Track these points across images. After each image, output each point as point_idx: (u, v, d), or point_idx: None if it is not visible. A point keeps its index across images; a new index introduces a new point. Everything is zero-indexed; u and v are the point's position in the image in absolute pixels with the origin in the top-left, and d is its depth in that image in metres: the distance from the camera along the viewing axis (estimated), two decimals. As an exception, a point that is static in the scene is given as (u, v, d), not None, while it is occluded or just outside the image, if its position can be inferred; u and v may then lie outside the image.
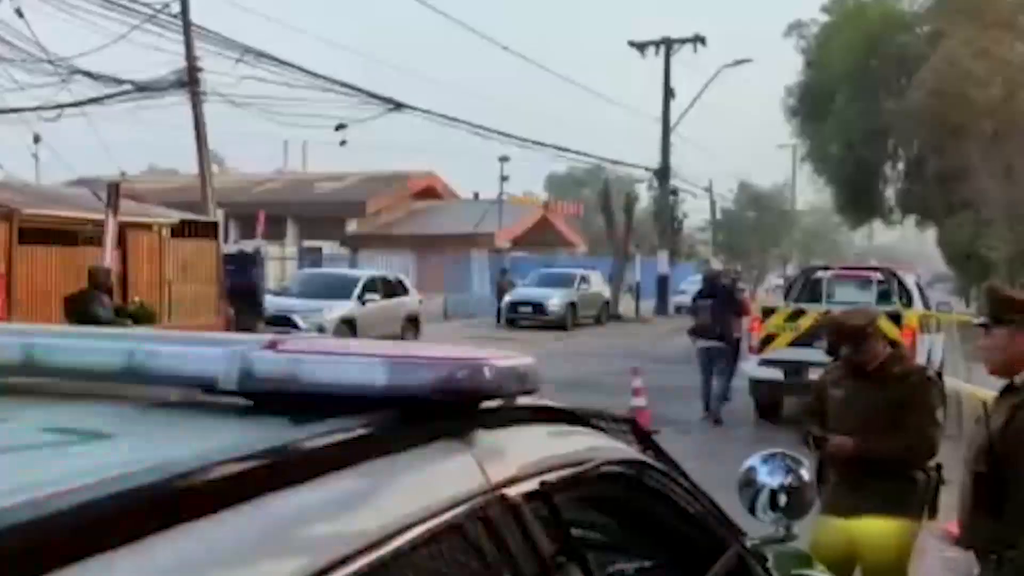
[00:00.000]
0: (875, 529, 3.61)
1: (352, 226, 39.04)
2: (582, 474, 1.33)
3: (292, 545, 0.86)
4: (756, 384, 11.58)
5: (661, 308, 31.72)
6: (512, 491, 1.13)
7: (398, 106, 21.47)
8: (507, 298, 25.84)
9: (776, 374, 11.20)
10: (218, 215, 20.42)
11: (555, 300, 25.30)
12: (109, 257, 11.14)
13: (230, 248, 25.11)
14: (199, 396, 1.15)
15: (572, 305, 25.81)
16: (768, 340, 11.41)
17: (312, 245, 34.34)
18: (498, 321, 25.63)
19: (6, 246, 14.04)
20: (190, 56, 19.21)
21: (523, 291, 26.13)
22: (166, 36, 19.02)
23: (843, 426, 3.76)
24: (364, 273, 20.14)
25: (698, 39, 31.39)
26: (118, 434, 1.11)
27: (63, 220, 15.03)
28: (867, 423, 3.69)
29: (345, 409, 1.07)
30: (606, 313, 28.07)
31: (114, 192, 11.24)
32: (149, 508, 0.78)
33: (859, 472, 3.63)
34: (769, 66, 36.60)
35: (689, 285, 34.44)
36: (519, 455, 1.22)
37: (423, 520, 0.98)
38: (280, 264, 26.09)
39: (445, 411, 1.12)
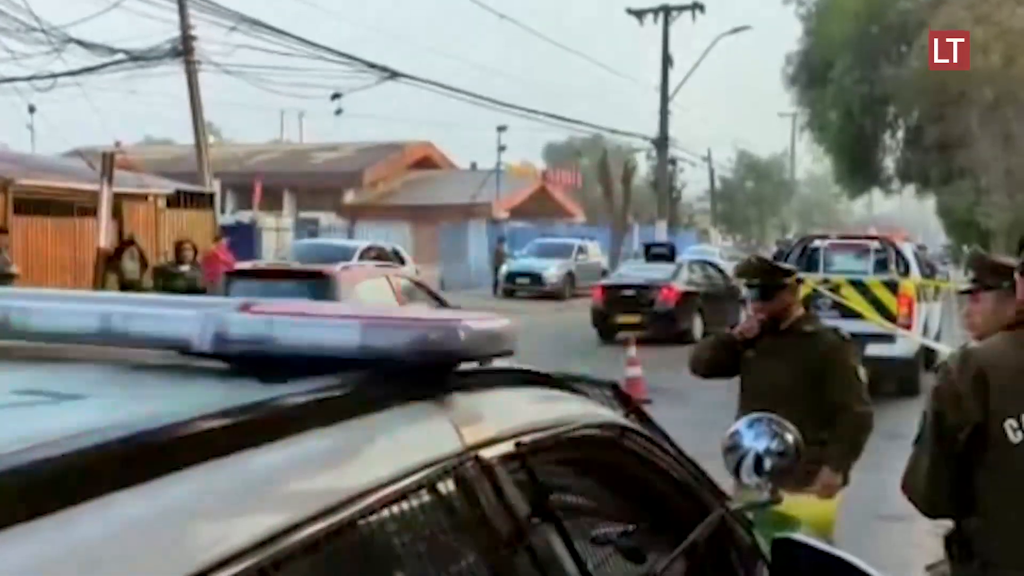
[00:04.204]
0: (794, 507, 3.52)
1: (349, 196, 38.93)
2: (560, 437, 1.33)
3: (264, 502, 0.87)
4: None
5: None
6: (487, 453, 1.13)
7: (394, 75, 21.33)
8: (504, 268, 25.80)
9: None
10: (214, 186, 20.37)
11: (552, 270, 25.25)
12: (104, 227, 11.14)
13: (226, 219, 25.10)
14: (173, 358, 1.15)
15: (570, 275, 25.77)
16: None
17: (309, 216, 34.24)
18: (495, 292, 25.60)
19: (1, 216, 14.02)
20: (184, 25, 19.05)
21: (520, 261, 26.09)
22: (160, 4, 18.85)
23: (755, 389, 3.64)
24: (361, 244, 20.11)
25: (696, 6, 31.10)
26: (91, 395, 1.11)
27: (58, 191, 15.00)
28: (780, 386, 3.55)
29: (319, 370, 1.07)
30: (604, 283, 28.08)
31: (109, 162, 11.23)
32: (118, 464, 0.78)
33: None
34: (768, 34, 36.31)
35: (688, 255, 34.39)
36: (495, 418, 1.22)
37: (396, 480, 0.98)
38: (276, 235, 26.02)
39: (420, 373, 1.12)
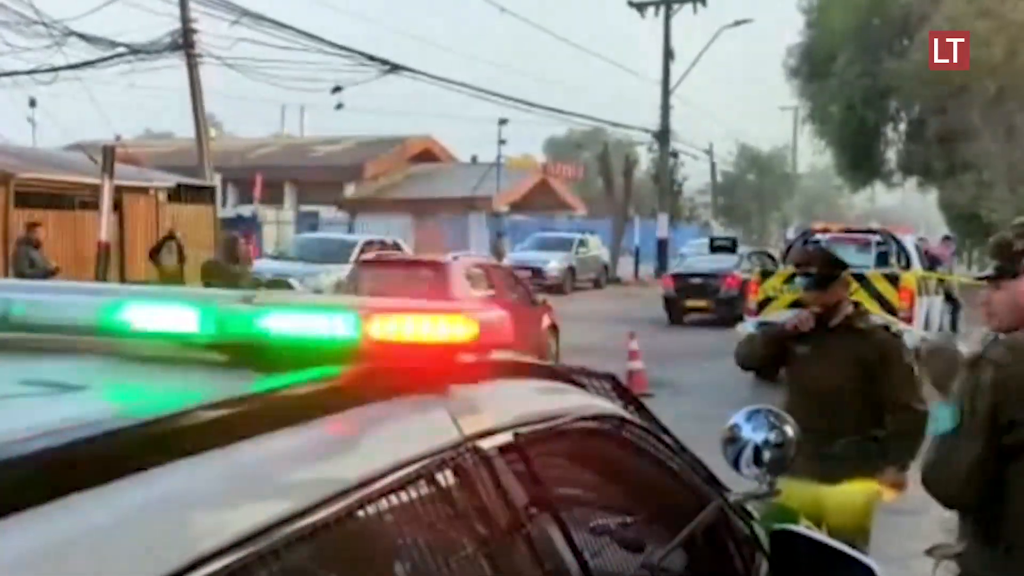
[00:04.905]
0: (839, 493, 3.54)
1: (350, 190, 38.86)
2: (558, 428, 1.34)
3: (262, 492, 0.87)
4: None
5: (661, 271, 31.65)
6: (485, 444, 1.14)
7: (395, 68, 21.29)
8: (504, 262, 25.74)
9: None
10: (215, 179, 20.34)
11: (553, 264, 25.20)
12: (105, 221, 11.13)
13: (227, 212, 25.09)
14: (175, 349, 1.16)
15: (570, 269, 25.73)
16: (766, 303, 11.41)
17: (309, 209, 34.20)
18: (495, 285, 25.53)
19: (2, 210, 14.03)
20: (185, 17, 19.01)
21: (521, 255, 26.05)
22: (160, -3, 18.80)
23: (808, 383, 3.64)
24: (361, 237, 20.11)
25: (698, -1, 30.99)
26: (91, 386, 1.11)
27: (59, 184, 15.00)
28: (833, 383, 3.56)
29: (319, 361, 1.07)
30: (605, 277, 28.03)
31: (109, 156, 11.19)
32: (116, 454, 0.78)
33: (823, 431, 3.45)
34: (770, 27, 36.23)
35: (689, 249, 34.27)
36: (493, 408, 1.23)
37: (395, 470, 0.99)
38: (277, 228, 26.00)
39: (419, 364, 1.13)
